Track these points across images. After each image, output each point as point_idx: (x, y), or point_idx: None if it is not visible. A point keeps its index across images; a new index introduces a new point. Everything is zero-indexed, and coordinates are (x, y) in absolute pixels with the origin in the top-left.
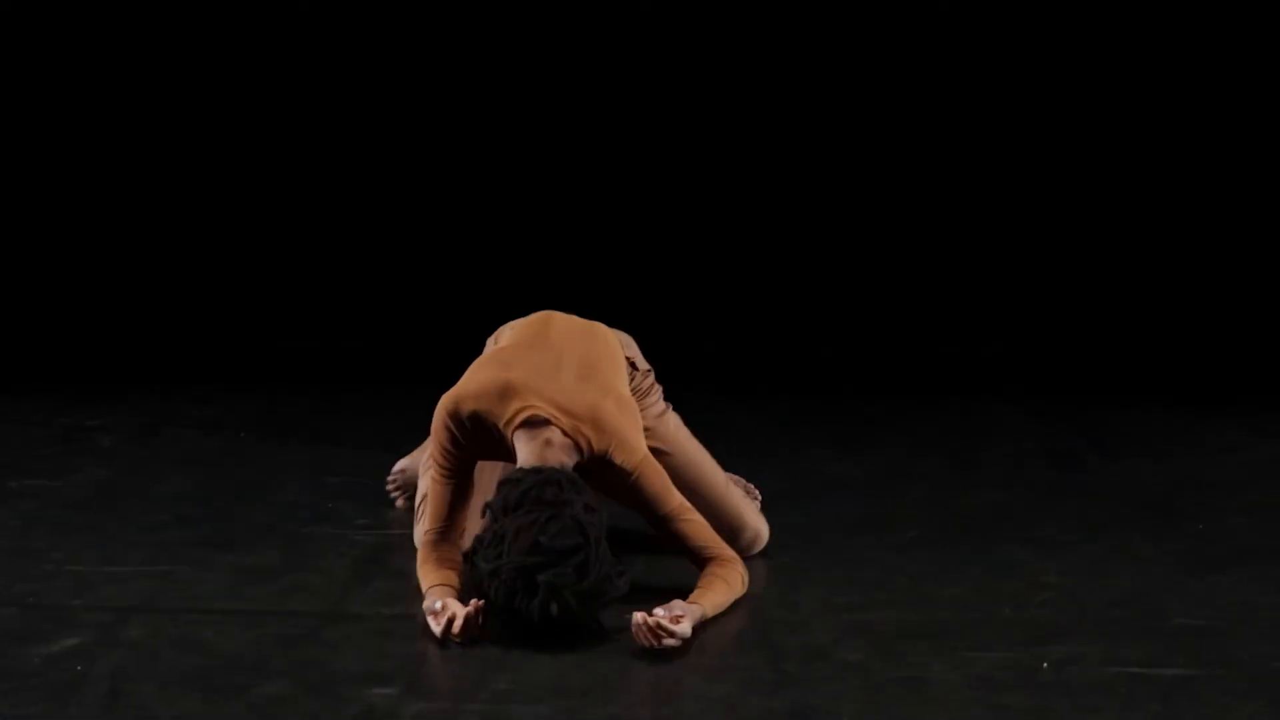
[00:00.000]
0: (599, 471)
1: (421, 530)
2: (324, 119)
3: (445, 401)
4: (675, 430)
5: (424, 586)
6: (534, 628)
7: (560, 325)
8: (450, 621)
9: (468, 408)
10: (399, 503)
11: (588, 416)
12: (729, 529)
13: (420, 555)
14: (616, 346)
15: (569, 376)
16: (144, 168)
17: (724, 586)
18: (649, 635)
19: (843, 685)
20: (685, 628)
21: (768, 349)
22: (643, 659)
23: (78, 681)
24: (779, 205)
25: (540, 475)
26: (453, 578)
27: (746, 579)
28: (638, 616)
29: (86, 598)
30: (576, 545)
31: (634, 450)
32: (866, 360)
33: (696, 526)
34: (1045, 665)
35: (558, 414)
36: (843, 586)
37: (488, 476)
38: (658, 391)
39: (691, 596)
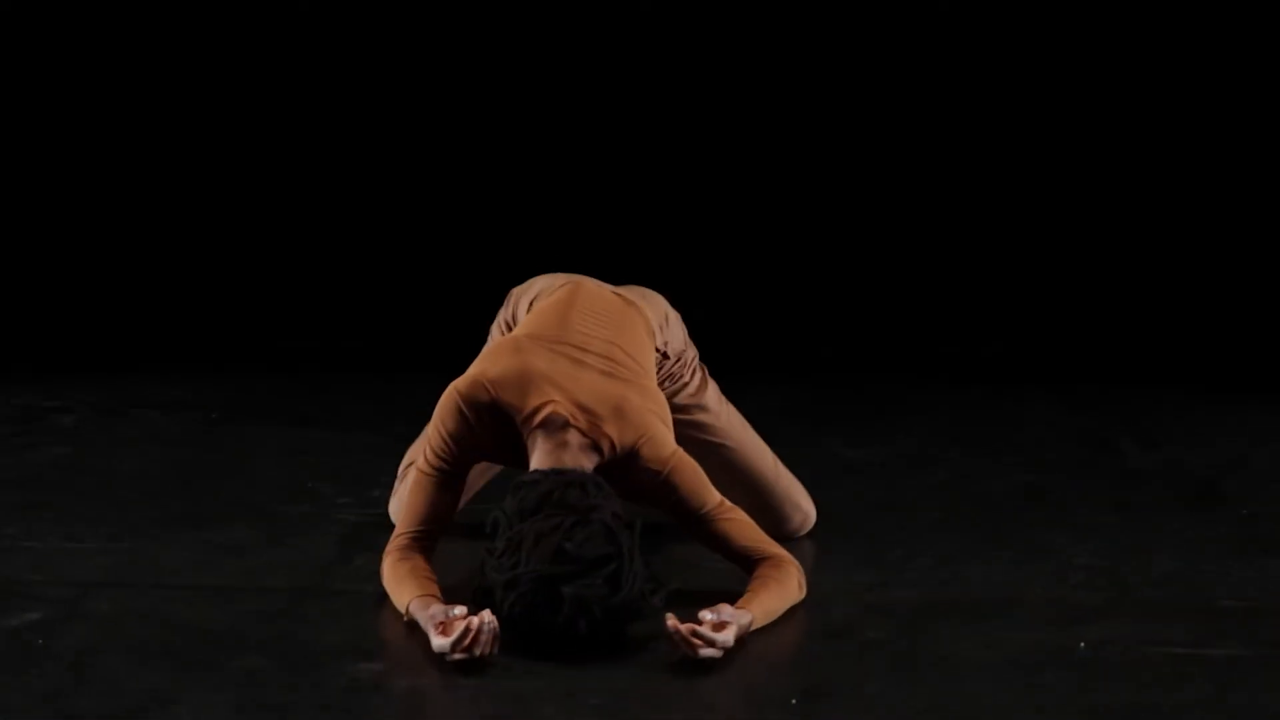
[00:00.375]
0: (625, 473)
1: (395, 531)
2: (290, 93)
3: (463, 385)
4: (718, 406)
5: (401, 598)
6: (552, 644)
7: (586, 306)
8: (464, 634)
9: (489, 394)
10: None
11: (609, 412)
12: (780, 513)
13: (389, 562)
14: (644, 333)
15: (591, 373)
16: (122, 152)
17: (777, 590)
18: (685, 644)
19: (864, 664)
20: (727, 636)
21: (766, 344)
22: (650, 633)
23: (40, 655)
24: (777, 202)
25: (562, 477)
26: (435, 590)
27: (804, 582)
28: (671, 623)
29: (45, 573)
30: (607, 554)
31: (663, 445)
32: (870, 356)
33: (741, 525)
34: (1082, 645)
35: (577, 412)
36: (863, 566)
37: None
38: (692, 365)
39: (740, 602)
